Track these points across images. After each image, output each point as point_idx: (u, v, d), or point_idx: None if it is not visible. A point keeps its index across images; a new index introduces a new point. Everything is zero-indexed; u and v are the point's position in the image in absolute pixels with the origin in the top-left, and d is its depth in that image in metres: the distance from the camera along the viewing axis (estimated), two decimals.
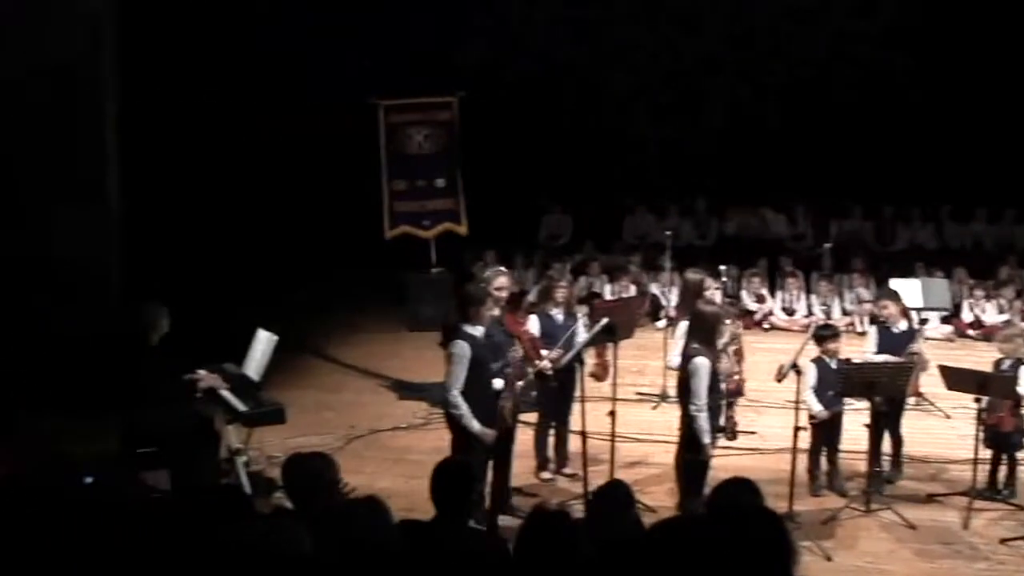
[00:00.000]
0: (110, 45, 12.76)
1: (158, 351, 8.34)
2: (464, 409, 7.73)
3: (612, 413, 8.58)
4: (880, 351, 9.68)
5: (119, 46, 13.04)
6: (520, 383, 8.32)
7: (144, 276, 12.70)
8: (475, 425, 7.74)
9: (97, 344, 9.76)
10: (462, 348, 7.68)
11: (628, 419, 10.20)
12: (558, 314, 9.41)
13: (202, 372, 8.76)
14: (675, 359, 8.40)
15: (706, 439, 7.84)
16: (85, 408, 9.88)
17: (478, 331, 7.84)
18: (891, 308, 9.67)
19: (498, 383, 7.96)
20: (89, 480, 5.89)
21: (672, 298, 14.52)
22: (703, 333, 7.84)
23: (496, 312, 8.30)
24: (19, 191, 12.52)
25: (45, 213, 12.69)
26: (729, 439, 8.92)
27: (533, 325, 9.27)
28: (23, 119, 12.46)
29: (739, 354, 9.63)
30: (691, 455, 7.90)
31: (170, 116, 14.90)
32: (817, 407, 9.21)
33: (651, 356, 12.62)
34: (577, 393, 9.03)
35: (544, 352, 8.83)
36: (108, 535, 4.84)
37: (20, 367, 11.06)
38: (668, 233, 14.28)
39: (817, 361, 9.28)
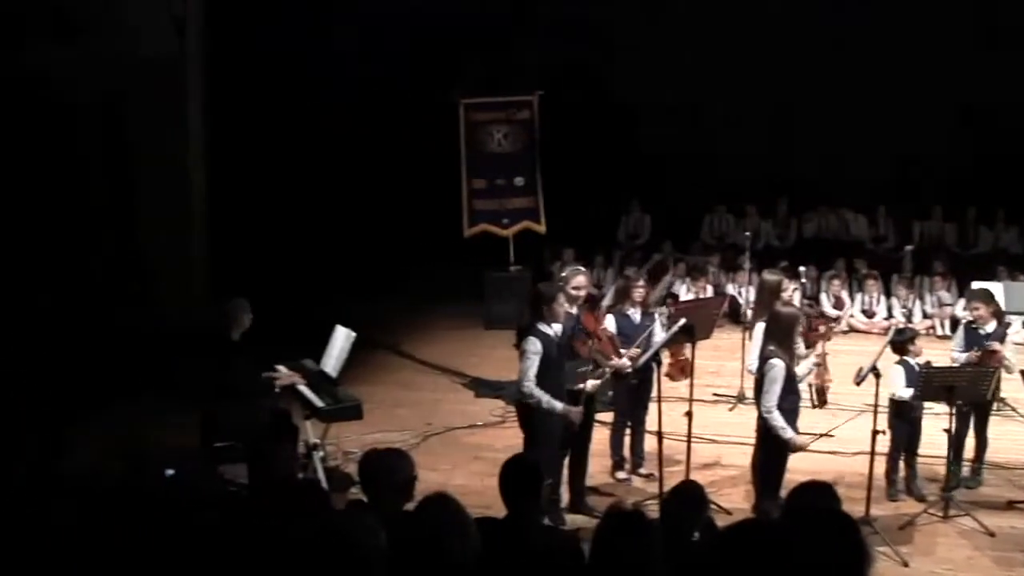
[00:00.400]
0: (195, 42, 13.39)
1: (240, 346, 8.38)
2: (541, 394, 7.68)
3: (688, 414, 8.53)
4: (966, 352, 9.45)
5: (205, 43, 13.61)
6: (593, 382, 8.22)
7: (228, 273, 13.15)
8: (557, 405, 7.69)
9: (182, 339, 9.95)
10: (534, 344, 7.64)
11: (704, 420, 10.15)
12: (635, 313, 9.33)
13: (282, 368, 8.89)
14: (754, 363, 8.31)
15: (786, 434, 7.78)
16: (170, 401, 10.12)
17: (552, 329, 7.80)
18: (982, 310, 9.44)
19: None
20: (170, 473, 6.13)
21: (750, 299, 13.90)
22: (780, 335, 7.77)
23: (572, 309, 8.20)
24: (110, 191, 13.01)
25: (132, 211, 13.26)
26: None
27: (610, 324, 9.17)
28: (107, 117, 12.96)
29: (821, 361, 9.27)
30: (771, 454, 7.85)
31: (253, 114, 15.11)
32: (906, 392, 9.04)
33: (728, 357, 12.56)
34: (653, 393, 8.96)
35: (622, 351, 8.78)
36: (187, 527, 4.89)
37: (106, 359, 11.44)
38: (747, 234, 14.18)
39: (902, 363, 9.14)
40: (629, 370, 8.75)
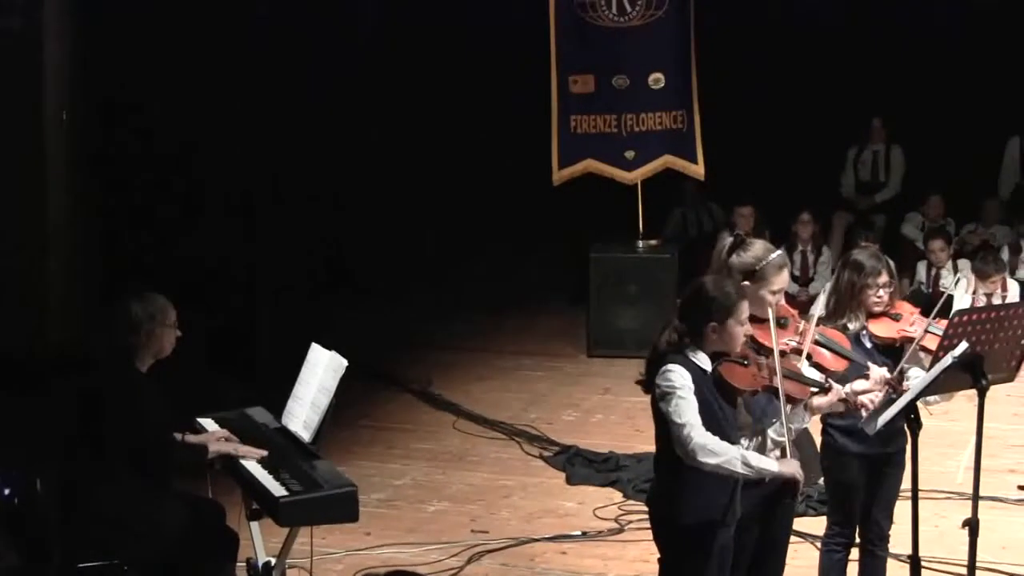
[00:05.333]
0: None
1: (148, 384, 6.86)
2: (726, 449, 5.60)
3: (969, 525, 6.09)
4: None
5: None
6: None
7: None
8: (770, 466, 5.70)
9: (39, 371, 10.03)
10: (680, 374, 5.68)
11: (1003, 536, 8.10)
12: (865, 337, 6.67)
13: (208, 424, 7.29)
14: None
15: None
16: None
17: (708, 365, 5.75)
18: None
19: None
20: None
21: None
22: None
23: (749, 331, 5.80)
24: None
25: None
26: None
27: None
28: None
29: None
30: None
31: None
32: None
33: None
34: (905, 484, 6.71)
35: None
36: None
37: None
38: None
39: None
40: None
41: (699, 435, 5.62)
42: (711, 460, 5.60)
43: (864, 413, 6.22)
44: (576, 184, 12.03)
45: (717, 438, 5.62)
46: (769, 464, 5.71)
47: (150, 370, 6.97)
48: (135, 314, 6.85)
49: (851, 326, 6.47)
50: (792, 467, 5.76)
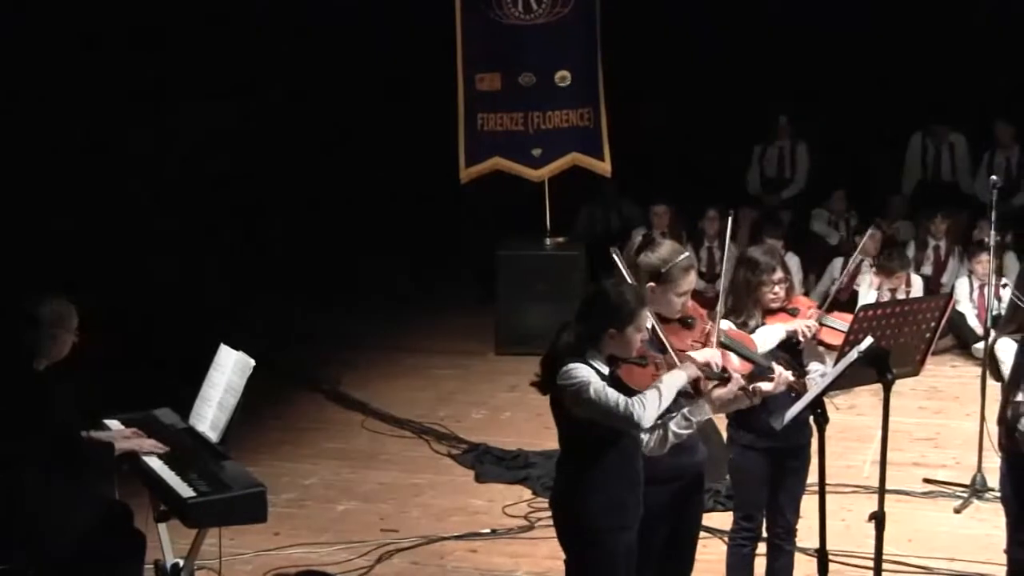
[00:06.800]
0: None
1: (48, 385, 6.80)
2: (660, 398, 5.64)
3: (876, 518, 6.13)
4: None
5: None
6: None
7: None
8: (676, 379, 5.84)
9: None
10: (583, 369, 5.63)
11: (907, 528, 8.22)
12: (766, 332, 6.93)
13: (115, 425, 7.24)
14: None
15: None
16: None
17: (605, 369, 5.76)
18: None
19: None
20: None
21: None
22: None
23: (645, 335, 5.86)
24: None
25: None
26: None
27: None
28: None
29: None
30: None
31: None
32: None
33: (955, 411, 10.44)
34: (812, 479, 6.84)
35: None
36: None
37: None
38: (993, 178, 10.07)
39: None
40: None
41: (632, 402, 5.63)
42: (655, 407, 5.61)
43: (758, 401, 6.21)
44: (484, 182, 12.04)
45: (644, 393, 5.68)
46: (675, 378, 5.75)
47: (45, 371, 6.94)
48: (41, 315, 6.80)
49: (749, 323, 6.51)
50: (689, 368, 5.83)
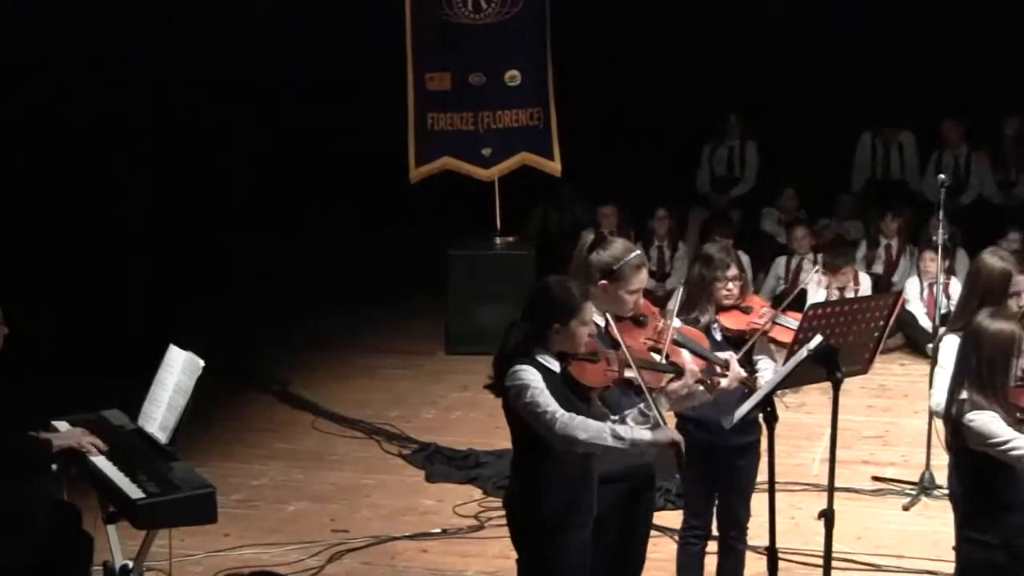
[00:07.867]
0: None
1: None
2: (597, 428, 5.55)
3: (825, 515, 6.12)
4: None
5: None
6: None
7: None
8: (644, 434, 5.61)
9: None
10: (529, 371, 5.61)
11: (857, 527, 8.19)
12: (717, 330, 6.83)
13: (62, 425, 7.08)
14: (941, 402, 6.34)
15: None
16: None
17: (556, 366, 5.72)
18: None
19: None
20: None
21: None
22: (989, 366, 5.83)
23: (599, 319, 5.91)
24: None
25: None
26: None
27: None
28: None
29: None
30: None
31: None
32: None
33: (904, 408, 10.42)
34: (762, 477, 6.97)
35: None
36: None
37: None
38: (942, 177, 10.12)
39: None
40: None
41: (564, 416, 5.56)
42: (582, 436, 5.53)
43: (713, 396, 6.25)
44: (434, 181, 12.02)
45: (582, 416, 5.59)
46: (641, 434, 5.65)
47: None
48: None
49: (702, 319, 6.54)
50: (668, 433, 5.66)
